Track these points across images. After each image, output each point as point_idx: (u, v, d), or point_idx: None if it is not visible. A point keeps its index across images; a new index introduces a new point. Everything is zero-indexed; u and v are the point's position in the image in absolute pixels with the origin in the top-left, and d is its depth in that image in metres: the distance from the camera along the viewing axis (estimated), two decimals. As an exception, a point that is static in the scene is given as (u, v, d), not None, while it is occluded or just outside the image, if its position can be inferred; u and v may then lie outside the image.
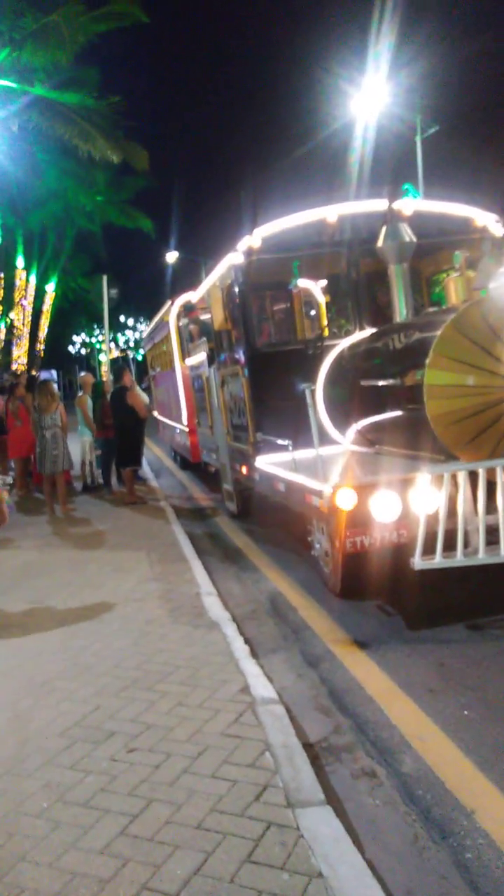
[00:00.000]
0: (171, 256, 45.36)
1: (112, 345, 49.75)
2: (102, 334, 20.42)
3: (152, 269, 48.47)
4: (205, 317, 10.44)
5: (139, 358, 49.11)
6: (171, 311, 11.69)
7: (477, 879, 2.49)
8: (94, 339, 55.09)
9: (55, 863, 2.55)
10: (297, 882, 2.35)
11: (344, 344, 6.54)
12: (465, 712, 3.60)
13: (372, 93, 22.11)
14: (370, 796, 3.03)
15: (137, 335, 56.31)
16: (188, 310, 10.99)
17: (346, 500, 4.61)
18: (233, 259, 6.68)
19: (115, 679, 4.12)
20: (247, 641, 4.65)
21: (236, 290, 6.75)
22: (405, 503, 4.64)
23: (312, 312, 8.29)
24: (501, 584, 5.04)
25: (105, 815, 2.81)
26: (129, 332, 57.97)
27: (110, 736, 3.45)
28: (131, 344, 58.27)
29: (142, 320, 56.11)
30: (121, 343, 57.86)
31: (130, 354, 57.58)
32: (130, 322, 56.82)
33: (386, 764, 3.26)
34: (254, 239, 6.51)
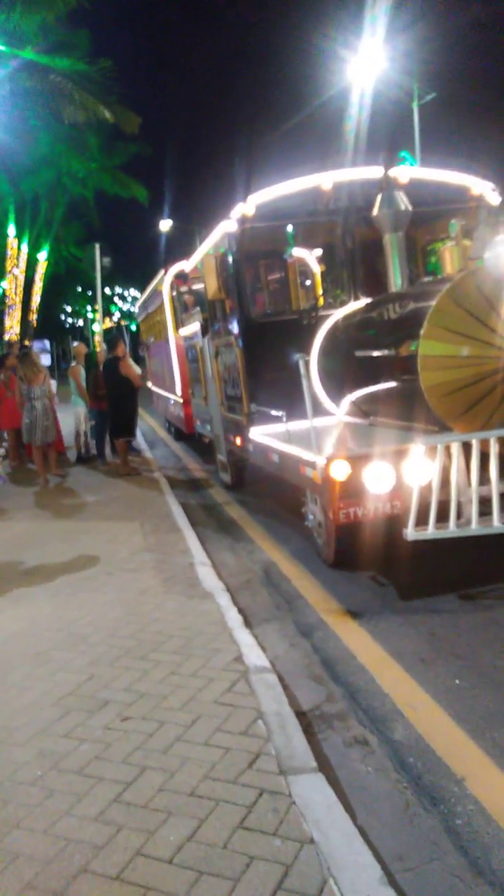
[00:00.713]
0: (165, 224, 44.86)
1: (107, 315, 49.40)
2: (96, 304, 20.24)
3: (146, 238, 48.04)
4: (198, 286, 10.34)
5: (133, 328, 48.80)
6: (165, 280, 11.58)
7: (467, 845, 2.53)
8: (87, 309, 54.68)
9: (49, 829, 2.58)
10: (289, 847, 2.39)
11: (339, 314, 6.49)
12: (457, 681, 3.63)
13: (369, 58, 21.74)
14: (362, 764, 3.06)
15: (131, 305, 55.91)
16: (181, 279, 10.89)
17: (339, 471, 4.60)
18: (226, 227, 6.59)
19: (110, 648, 4.15)
20: (240, 611, 4.68)
21: (230, 258, 6.67)
22: (399, 474, 4.63)
23: (307, 282, 8.21)
24: (493, 555, 5.07)
25: (99, 783, 2.84)
26: (118, 302, 57.52)
27: (104, 705, 3.48)
28: (126, 311, 57.87)
29: (135, 290, 55.64)
30: (115, 313, 57.46)
31: (125, 324, 57.19)
32: (125, 292, 56.35)
33: (378, 732, 3.29)
34: (248, 206, 6.41)
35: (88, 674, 3.84)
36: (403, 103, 22.62)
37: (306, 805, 2.59)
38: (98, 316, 14.32)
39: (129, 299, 56.42)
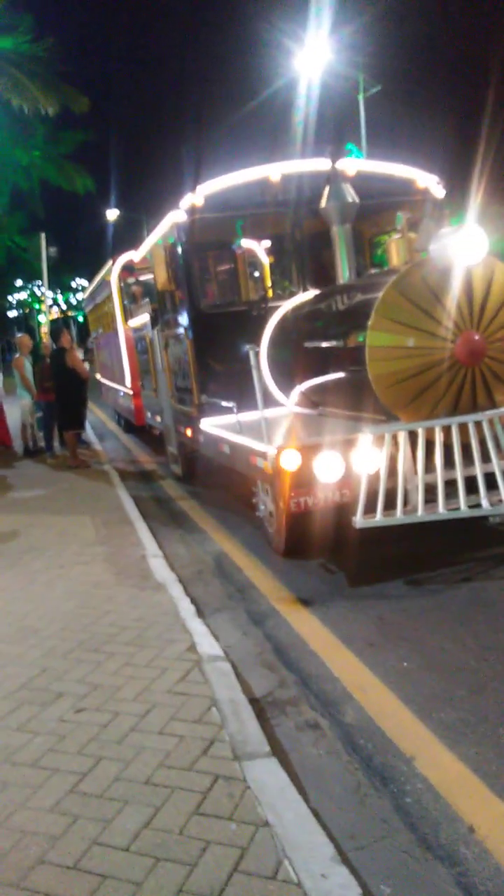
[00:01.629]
0: (112, 214, 44.30)
1: (53, 306, 48.57)
2: (42, 294, 19.95)
3: (93, 227, 47.30)
4: (147, 277, 10.29)
5: (81, 319, 48.13)
6: (113, 270, 11.46)
7: (416, 822, 2.61)
8: (30, 299, 53.68)
9: (4, 822, 2.57)
10: (245, 831, 2.43)
11: (287, 305, 6.54)
12: (404, 664, 3.72)
13: (315, 49, 21.79)
14: (314, 747, 3.13)
15: (79, 296, 55.09)
16: (129, 270, 10.80)
17: (290, 462, 4.66)
18: (175, 217, 6.57)
19: (62, 641, 4.13)
20: (193, 601, 4.70)
21: (179, 249, 6.65)
22: (347, 463, 4.71)
23: (256, 273, 8.24)
24: (439, 541, 5.20)
25: (54, 775, 2.84)
26: (61, 293, 56.59)
27: (58, 697, 3.48)
28: (72, 303, 56.97)
29: (82, 280, 54.85)
30: (61, 303, 56.51)
31: (71, 315, 56.34)
32: (73, 282, 55.47)
33: (329, 715, 3.36)
34: (196, 197, 6.40)
35: (41, 667, 3.82)
36: (350, 95, 22.75)
37: (260, 789, 2.64)
38: (44, 307, 14.11)
39: (78, 289, 55.54)
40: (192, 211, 6.44)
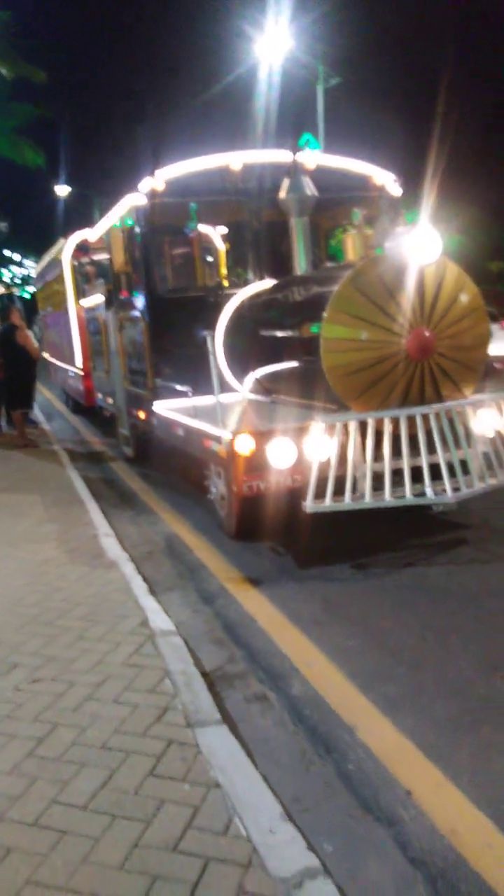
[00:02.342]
0: (63, 190, 43.50)
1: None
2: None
3: (42, 203, 46.30)
4: (101, 257, 10.24)
5: (26, 295, 47.19)
6: (65, 249, 11.36)
7: (358, 787, 2.78)
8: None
9: (-36, 784, 2.65)
10: (197, 791, 2.57)
11: (244, 293, 6.64)
12: (349, 641, 3.91)
13: (275, 38, 21.80)
14: (262, 718, 3.27)
15: (25, 271, 53.97)
16: (83, 250, 10.73)
17: (244, 446, 4.79)
18: (135, 200, 6.59)
19: (15, 616, 4.19)
20: (144, 580, 4.80)
21: (138, 232, 6.69)
22: (299, 450, 4.86)
23: (213, 260, 8.31)
24: (384, 527, 5.41)
25: (12, 740, 2.92)
26: (15, 268, 55.37)
27: (13, 668, 3.55)
28: (17, 280, 55.75)
29: (27, 256, 53.75)
30: (6, 279, 55.22)
31: (16, 291, 55.21)
32: (19, 258, 54.27)
33: (276, 689, 3.51)
34: (157, 181, 6.44)
35: (-6, 639, 3.88)
36: (310, 85, 22.83)
37: (212, 753, 2.78)
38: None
39: (20, 264, 54.34)
40: (152, 195, 6.48)
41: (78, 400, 12.39)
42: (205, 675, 3.57)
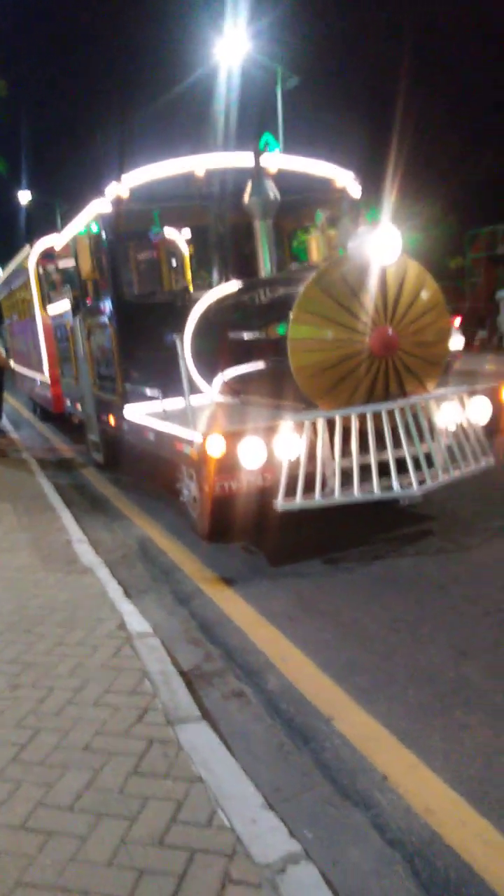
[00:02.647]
0: (24, 196, 43.12)
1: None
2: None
3: (2, 210, 45.92)
4: (67, 263, 10.23)
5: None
6: (31, 256, 11.31)
7: (335, 774, 2.86)
8: None
9: None
10: (180, 786, 2.63)
11: (211, 296, 6.70)
12: (322, 635, 4.00)
13: (234, 39, 21.92)
14: (240, 713, 3.34)
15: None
16: (49, 257, 10.70)
17: (215, 448, 4.84)
18: (99, 206, 6.62)
19: (-9, 624, 4.21)
20: (120, 584, 4.84)
21: (104, 239, 6.71)
22: (270, 449, 4.93)
23: (179, 264, 8.36)
24: (353, 522, 5.52)
25: (-6, 746, 2.96)
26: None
27: (-8, 676, 3.57)
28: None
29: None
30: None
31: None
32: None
33: (253, 684, 3.59)
34: (121, 187, 6.47)
35: (-28, 648, 3.90)
36: (269, 87, 22.97)
37: (193, 749, 2.85)
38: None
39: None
40: (117, 201, 6.51)
41: (46, 407, 12.34)
42: (183, 674, 3.63)
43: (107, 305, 6.96)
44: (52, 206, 43.83)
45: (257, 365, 5.93)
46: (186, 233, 8.06)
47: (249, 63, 22.92)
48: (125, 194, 6.54)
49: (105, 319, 7.07)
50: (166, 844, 2.36)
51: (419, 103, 20.71)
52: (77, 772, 2.75)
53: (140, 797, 2.59)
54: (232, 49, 22.08)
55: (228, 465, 4.90)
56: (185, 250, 8.27)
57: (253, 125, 21.81)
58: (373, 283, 4.84)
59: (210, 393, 6.53)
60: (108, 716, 3.13)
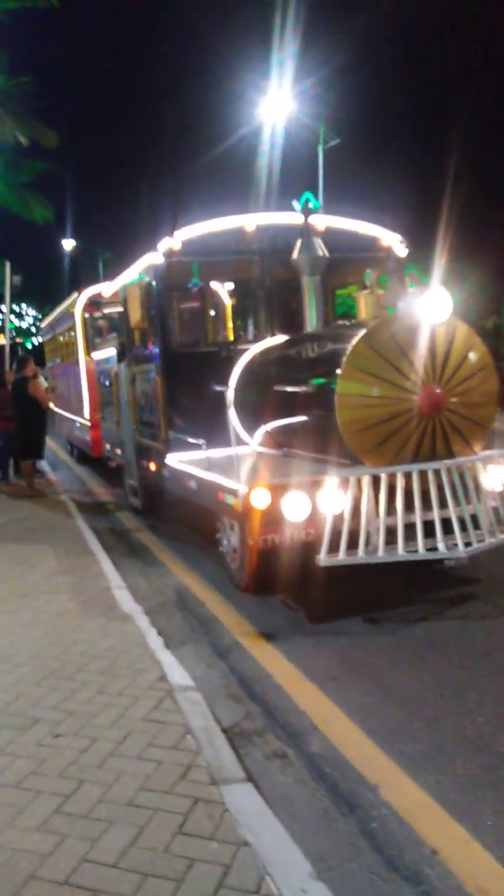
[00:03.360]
0: (68, 244, 44.40)
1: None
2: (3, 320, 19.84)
3: (46, 255, 47.22)
4: (114, 311, 10.47)
5: (29, 346, 47.69)
6: (78, 302, 11.61)
7: (382, 845, 2.79)
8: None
9: (-6, 840, 2.66)
10: (226, 850, 2.58)
11: (256, 349, 6.80)
12: (366, 698, 3.92)
13: (277, 101, 22.61)
14: (282, 775, 3.28)
15: (25, 323, 54.70)
16: (96, 304, 10.97)
17: (260, 500, 4.85)
18: (152, 259, 6.80)
19: (35, 668, 4.20)
20: (159, 634, 4.81)
21: (154, 289, 6.88)
22: (314, 503, 4.93)
23: (225, 316, 8.49)
24: (393, 581, 5.46)
25: (38, 796, 2.93)
26: (14, 319, 56.12)
27: (35, 722, 3.56)
28: (21, 329, 56.41)
29: (29, 306, 54.54)
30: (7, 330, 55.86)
31: (20, 342, 55.83)
32: (21, 309, 55.05)
33: (295, 746, 3.52)
34: (174, 241, 6.66)
35: (15, 693, 3.89)
36: (312, 144, 23.55)
37: (239, 812, 2.79)
38: (3, 336, 14.05)
39: (25, 316, 55.12)
40: (169, 254, 6.69)
41: (84, 450, 12.49)
42: (223, 731, 3.58)
43: (154, 353, 7.08)
44: (95, 254, 45.06)
45: (301, 418, 5.97)
46: (230, 286, 8.22)
47: (292, 123, 23.58)
48: (177, 247, 6.72)
49: (152, 367, 7.19)
50: (214, 911, 2.30)
51: (456, 167, 21.11)
52: (122, 827, 2.71)
53: (186, 858, 2.54)
54: (275, 108, 22.73)
55: (272, 518, 4.90)
56: (234, 304, 8.43)
57: (295, 183, 22.36)
58: (422, 343, 4.89)
59: (252, 444, 6.57)
60: (152, 771, 3.09)
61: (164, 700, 3.75)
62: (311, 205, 6.79)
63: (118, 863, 2.52)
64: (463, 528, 4.76)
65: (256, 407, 6.53)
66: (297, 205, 6.73)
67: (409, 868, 2.65)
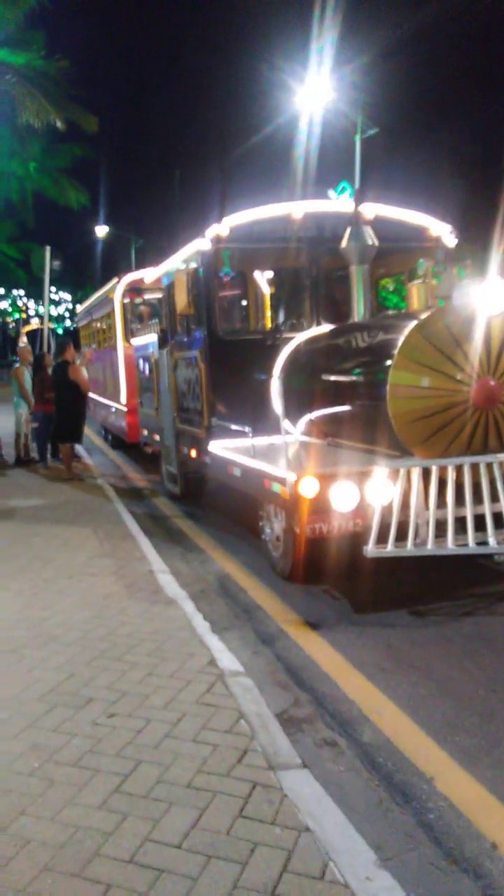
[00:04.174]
0: (101, 230, 44.56)
1: (34, 317, 48.47)
2: (41, 304, 19.96)
3: (80, 240, 47.45)
4: (155, 297, 10.48)
5: (59, 331, 48.04)
6: (117, 288, 11.63)
7: (440, 837, 2.77)
8: (10, 308, 53.65)
9: (56, 816, 2.68)
10: (288, 835, 2.57)
11: (301, 337, 6.76)
12: (417, 690, 3.90)
13: (315, 89, 22.39)
14: (334, 763, 3.26)
15: (59, 309, 55.09)
16: (137, 290, 10.98)
17: (308, 488, 4.83)
18: (200, 245, 6.78)
19: (84, 649, 4.23)
20: (204, 619, 4.82)
21: (202, 276, 6.86)
22: (362, 494, 4.90)
23: (271, 304, 8.46)
24: (438, 574, 5.41)
25: (96, 775, 2.95)
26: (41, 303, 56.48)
27: (89, 702, 3.58)
28: (55, 315, 56.85)
29: (63, 293, 54.92)
30: (42, 313, 56.33)
31: (52, 327, 56.19)
32: (55, 295, 55.45)
33: (346, 735, 3.51)
34: (222, 227, 6.63)
35: (67, 672, 3.92)
36: (350, 133, 23.31)
37: (298, 797, 2.79)
38: (44, 318, 14.10)
39: (59, 301, 55.51)
40: (217, 240, 6.67)
41: (119, 436, 12.54)
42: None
43: (199, 340, 7.07)
44: (129, 240, 45.19)
45: (346, 408, 5.92)
46: (278, 274, 8.18)
47: (332, 112, 23.36)
48: (225, 234, 6.69)
49: (195, 354, 7.18)
50: (279, 894, 2.30)
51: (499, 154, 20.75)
52: (182, 808, 2.72)
53: (249, 841, 2.54)
54: (314, 97, 22.52)
55: (320, 507, 4.88)
56: (271, 291, 8.38)
57: (336, 171, 22.18)
58: (477, 334, 4.82)
59: (295, 433, 6.55)
60: (208, 754, 3.09)
61: (216, 684, 3.75)
62: (347, 192, 6.72)
63: (181, 844, 2.53)
64: (514, 523, 4.70)
65: (301, 396, 6.50)
66: (333, 193, 6.68)
67: (470, 861, 2.63)
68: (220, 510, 7.95)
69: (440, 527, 4.74)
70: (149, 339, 9.57)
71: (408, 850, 2.70)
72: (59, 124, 17.97)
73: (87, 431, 16.83)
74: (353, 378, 5.78)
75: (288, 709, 3.75)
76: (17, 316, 52.83)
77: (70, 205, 28.84)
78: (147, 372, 9.80)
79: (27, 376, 11.17)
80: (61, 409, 9.89)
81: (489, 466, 4.77)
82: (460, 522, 4.72)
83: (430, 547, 4.70)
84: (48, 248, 12.83)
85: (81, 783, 2.89)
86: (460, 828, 2.82)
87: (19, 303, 54.24)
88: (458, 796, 3.01)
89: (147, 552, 6.29)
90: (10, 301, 53.60)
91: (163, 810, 2.71)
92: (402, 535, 4.70)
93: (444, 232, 7.24)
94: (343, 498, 4.88)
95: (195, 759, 3.05)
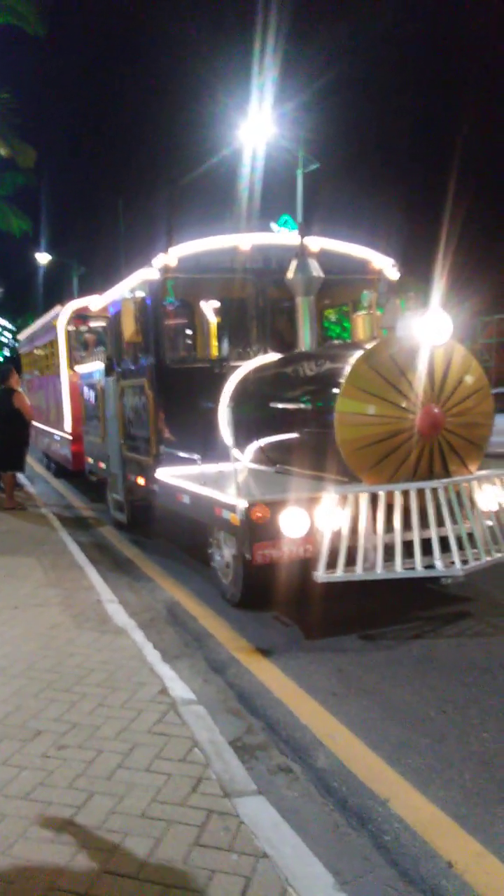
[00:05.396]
0: (43, 258, 44.18)
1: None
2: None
3: (21, 268, 46.93)
4: (100, 324, 10.45)
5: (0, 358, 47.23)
6: (61, 316, 11.55)
7: (397, 858, 2.78)
8: None
9: (7, 852, 2.59)
10: (246, 862, 2.55)
11: (249, 366, 6.83)
12: (368, 713, 3.93)
13: (257, 123, 22.86)
14: (289, 789, 3.25)
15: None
16: (82, 318, 10.93)
17: (259, 514, 4.86)
18: (147, 274, 6.82)
19: (31, 681, 4.13)
20: (154, 647, 4.77)
21: (149, 305, 6.88)
22: (312, 520, 4.94)
23: (218, 333, 8.53)
24: (385, 598, 5.48)
25: (49, 807, 2.87)
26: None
27: (37, 734, 3.49)
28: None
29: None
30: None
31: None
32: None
33: (300, 760, 3.50)
34: (170, 257, 6.69)
35: (14, 704, 3.81)
36: (293, 167, 23.81)
37: (255, 824, 2.77)
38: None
39: (1, 330, 54.70)
40: (164, 270, 6.72)
41: (63, 464, 12.37)
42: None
43: (147, 368, 7.08)
44: (70, 268, 44.90)
45: (294, 435, 5.99)
46: (224, 304, 8.27)
47: (272, 147, 23.85)
48: (173, 264, 6.75)
49: (143, 382, 7.18)
50: (239, 923, 2.27)
51: (436, 190, 21.47)
52: (138, 839, 2.67)
53: (207, 869, 2.50)
54: (256, 131, 22.96)
55: (270, 533, 4.90)
56: (218, 320, 8.46)
57: (277, 204, 22.59)
58: (421, 364, 4.96)
59: (244, 460, 6.58)
60: (162, 783, 3.04)
61: (168, 713, 3.71)
62: (287, 226, 6.90)
63: (139, 874, 2.48)
64: (460, 546, 4.81)
65: (249, 423, 6.55)
66: (275, 226, 6.85)
67: (426, 881, 2.65)
68: (168, 538, 7.90)
69: (388, 551, 4.82)
70: (94, 366, 9.53)
71: (365, 873, 2.71)
72: (1, 153, 17.88)
73: (29, 460, 16.58)
74: (301, 406, 5.87)
75: (241, 736, 3.73)
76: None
77: (12, 232, 28.58)
78: (93, 400, 9.73)
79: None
80: (4, 438, 9.70)
81: (434, 492, 4.88)
82: (408, 547, 4.80)
83: (379, 571, 4.77)
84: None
85: (33, 816, 2.81)
86: (416, 848, 2.84)
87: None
88: (413, 817, 3.03)
89: (94, 581, 6.20)
90: None
91: (118, 841, 2.66)
92: (351, 560, 4.76)
93: (386, 265, 7.45)
94: (293, 524, 4.92)
95: (149, 789, 3.00)
